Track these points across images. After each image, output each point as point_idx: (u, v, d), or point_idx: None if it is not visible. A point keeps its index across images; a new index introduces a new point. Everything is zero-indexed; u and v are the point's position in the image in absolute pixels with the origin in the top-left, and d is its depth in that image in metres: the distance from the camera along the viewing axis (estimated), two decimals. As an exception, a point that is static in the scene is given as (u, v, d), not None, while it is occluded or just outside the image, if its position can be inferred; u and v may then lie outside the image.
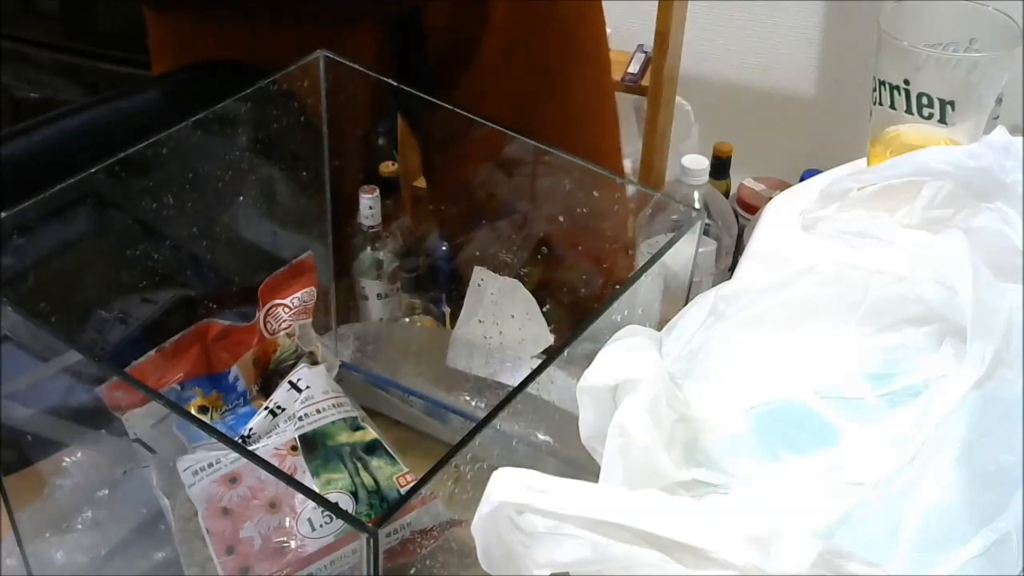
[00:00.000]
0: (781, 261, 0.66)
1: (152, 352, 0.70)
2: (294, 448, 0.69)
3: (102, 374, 0.65)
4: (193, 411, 0.71)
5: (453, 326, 0.80)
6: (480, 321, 0.79)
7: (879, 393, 0.55)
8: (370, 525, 0.45)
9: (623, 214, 0.68)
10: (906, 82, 0.72)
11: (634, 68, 1.68)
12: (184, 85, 0.81)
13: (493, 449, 0.67)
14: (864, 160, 0.81)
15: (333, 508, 0.60)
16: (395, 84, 0.75)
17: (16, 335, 0.59)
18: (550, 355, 0.59)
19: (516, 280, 0.78)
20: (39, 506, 0.71)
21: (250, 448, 0.68)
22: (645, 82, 1.66)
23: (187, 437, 0.68)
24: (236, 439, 0.69)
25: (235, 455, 0.67)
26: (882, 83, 0.74)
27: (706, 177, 1.50)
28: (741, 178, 1.82)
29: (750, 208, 1.77)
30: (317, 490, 0.66)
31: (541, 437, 0.77)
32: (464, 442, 0.50)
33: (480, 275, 0.79)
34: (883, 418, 0.54)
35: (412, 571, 0.65)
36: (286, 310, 0.77)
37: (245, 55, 0.79)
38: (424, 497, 0.65)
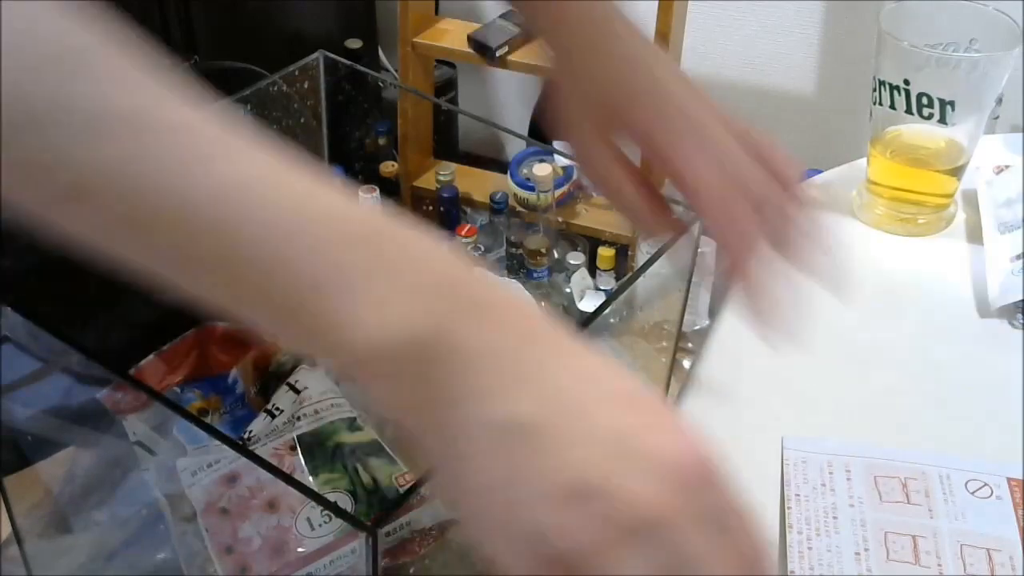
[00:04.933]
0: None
1: (152, 356, 0.70)
2: (292, 448, 0.69)
3: (104, 376, 0.65)
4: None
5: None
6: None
7: None
8: (369, 524, 0.45)
9: None
10: (906, 82, 0.72)
11: (634, 68, 1.68)
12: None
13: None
14: (864, 160, 0.81)
15: (333, 507, 0.60)
16: (396, 84, 0.74)
17: (16, 336, 0.59)
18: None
19: (515, 281, 0.78)
20: (39, 506, 0.71)
21: (250, 449, 0.68)
22: (645, 82, 1.65)
23: (187, 439, 0.68)
24: (236, 440, 0.69)
25: (234, 455, 0.67)
26: (882, 83, 0.74)
27: (706, 177, 1.50)
28: (741, 178, 1.82)
29: (750, 208, 1.77)
30: (315, 490, 0.66)
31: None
32: (464, 442, 0.50)
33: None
34: None
35: (412, 570, 0.65)
36: (286, 311, 0.77)
37: None
38: (423, 496, 0.65)
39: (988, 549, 0.55)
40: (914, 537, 0.56)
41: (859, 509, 0.58)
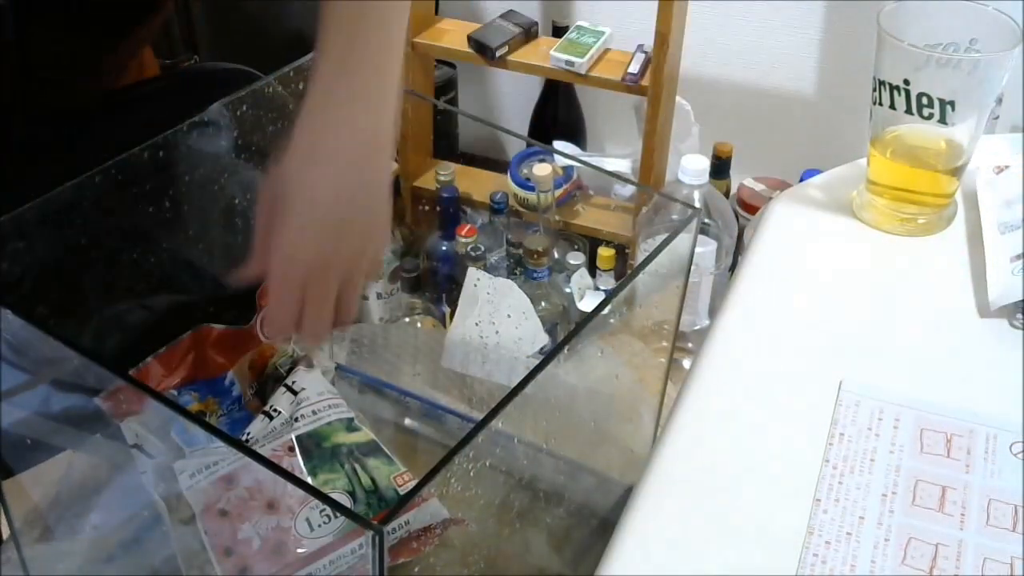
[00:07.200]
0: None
1: (150, 358, 0.70)
2: (291, 449, 0.68)
3: (104, 379, 0.65)
4: (190, 415, 0.71)
5: (452, 327, 0.80)
6: (476, 323, 0.79)
7: None
8: (376, 523, 0.45)
9: None
10: (906, 82, 0.72)
11: (634, 68, 1.67)
12: (180, 88, 0.81)
13: (494, 448, 0.67)
14: (864, 160, 0.81)
15: (339, 507, 0.60)
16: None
17: (16, 339, 0.58)
18: (548, 355, 0.59)
19: (511, 281, 0.78)
20: (37, 510, 0.70)
21: (258, 452, 0.68)
22: (645, 82, 1.65)
23: (184, 441, 0.68)
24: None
25: (231, 457, 0.67)
26: (882, 83, 0.73)
27: (706, 177, 1.50)
28: (741, 178, 1.82)
29: (750, 208, 1.77)
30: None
31: (540, 437, 0.77)
32: (466, 440, 0.50)
33: (475, 276, 0.79)
34: None
35: (416, 569, 0.65)
36: (284, 312, 0.77)
37: None
38: (424, 495, 0.65)
39: (1016, 506, 0.56)
40: (944, 488, 0.57)
41: (897, 456, 0.59)
